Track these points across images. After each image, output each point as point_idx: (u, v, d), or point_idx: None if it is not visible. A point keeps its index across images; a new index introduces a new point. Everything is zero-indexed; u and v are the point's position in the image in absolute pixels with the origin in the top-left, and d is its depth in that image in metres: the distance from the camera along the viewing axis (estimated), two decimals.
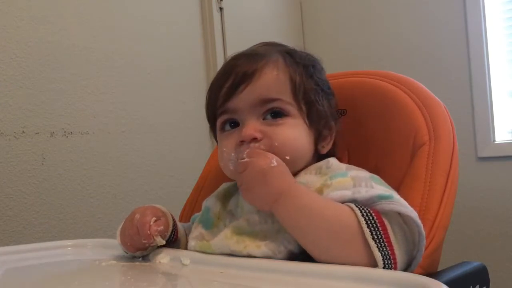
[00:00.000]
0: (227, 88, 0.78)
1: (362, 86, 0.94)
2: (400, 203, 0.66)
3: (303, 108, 0.78)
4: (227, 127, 0.80)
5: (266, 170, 0.68)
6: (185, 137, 1.85)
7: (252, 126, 0.75)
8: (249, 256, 0.70)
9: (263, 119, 0.76)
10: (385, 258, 0.62)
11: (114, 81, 1.67)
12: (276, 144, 0.74)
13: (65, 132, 1.53)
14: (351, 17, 2.33)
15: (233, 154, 0.75)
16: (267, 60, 0.78)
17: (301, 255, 0.68)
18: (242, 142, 0.75)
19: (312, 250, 0.65)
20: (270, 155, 0.70)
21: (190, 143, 1.86)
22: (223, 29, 2.00)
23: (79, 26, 1.59)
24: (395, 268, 0.63)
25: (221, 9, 2.00)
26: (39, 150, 1.47)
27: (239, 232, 0.72)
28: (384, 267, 0.62)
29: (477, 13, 1.98)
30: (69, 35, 1.56)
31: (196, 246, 0.78)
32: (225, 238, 0.73)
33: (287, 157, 0.73)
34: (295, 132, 0.76)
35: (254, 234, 0.71)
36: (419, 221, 0.66)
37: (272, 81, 0.77)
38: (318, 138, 0.81)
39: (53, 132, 1.50)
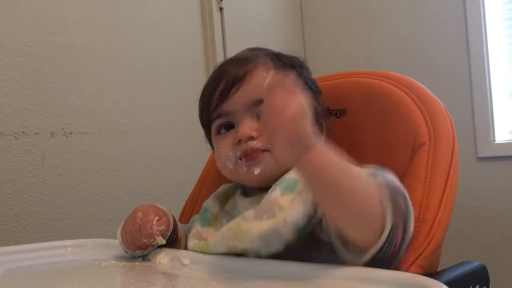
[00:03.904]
0: (219, 92, 0.80)
1: (362, 86, 0.94)
2: (389, 176, 0.67)
3: None
4: (223, 130, 0.81)
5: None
6: (185, 137, 1.85)
7: (248, 125, 0.77)
8: (245, 251, 0.70)
9: (258, 118, 0.78)
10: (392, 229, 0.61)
11: (114, 81, 1.67)
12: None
13: (65, 132, 1.53)
14: (351, 17, 2.32)
15: (230, 153, 0.77)
16: (256, 62, 0.80)
17: (295, 248, 0.68)
18: (239, 141, 0.77)
19: (338, 207, 0.60)
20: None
21: (190, 143, 1.86)
22: (223, 29, 2.00)
23: (79, 26, 1.59)
24: (397, 240, 0.63)
25: (221, 9, 2.00)
26: (39, 150, 1.47)
27: (235, 228, 0.73)
28: (388, 236, 0.61)
29: (477, 13, 1.98)
30: (69, 35, 1.56)
31: (195, 246, 0.79)
32: (221, 236, 0.74)
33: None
34: None
35: (248, 229, 0.71)
36: (406, 193, 0.67)
37: (263, 81, 0.78)
38: None
39: (53, 132, 1.50)
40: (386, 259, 0.64)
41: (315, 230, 0.70)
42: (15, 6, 1.44)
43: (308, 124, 0.56)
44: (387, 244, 0.61)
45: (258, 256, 0.71)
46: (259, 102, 0.76)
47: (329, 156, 0.58)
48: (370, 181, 0.62)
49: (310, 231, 0.70)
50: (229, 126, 0.80)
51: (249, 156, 0.76)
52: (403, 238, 0.65)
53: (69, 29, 1.56)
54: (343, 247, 0.63)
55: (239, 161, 0.77)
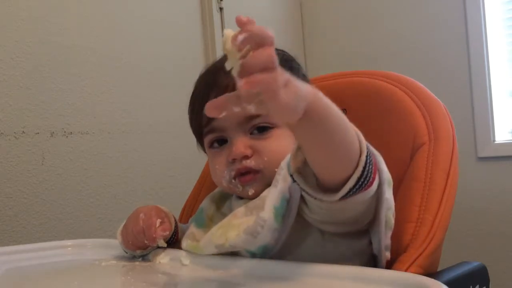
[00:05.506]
0: None
1: (362, 86, 0.94)
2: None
3: None
4: (216, 144, 0.81)
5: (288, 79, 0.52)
6: (185, 137, 1.84)
7: (241, 144, 0.76)
8: (233, 248, 0.70)
9: (250, 133, 0.77)
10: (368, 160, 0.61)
11: (114, 81, 1.67)
12: (265, 159, 0.75)
13: (65, 132, 1.53)
14: (351, 17, 2.33)
15: (225, 172, 0.77)
16: None
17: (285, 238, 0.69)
18: (234, 160, 0.76)
19: (330, 154, 0.59)
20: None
21: (190, 143, 1.84)
22: (223, 29, 2.00)
23: (79, 26, 1.59)
24: (374, 171, 0.62)
25: (221, 9, 2.00)
26: (39, 150, 1.47)
27: (224, 226, 0.73)
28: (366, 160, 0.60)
29: (477, 13, 1.98)
30: (69, 35, 1.56)
31: (188, 247, 0.79)
32: (211, 234, 0.74)
33: (276, 170, 0.74)
34: (282, 144, 0.77)
35: (236, 226, 0.71)
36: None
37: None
38: None
39: (53, 132, 1.50)
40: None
41: (301, 215, 0.70)
42: (15, 6, 1.44)
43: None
44: (367, 168, 0.60)
45: (253, 254, 0.71)
46: (251, 117, 0.76)
47: (321, 94, 0.56)
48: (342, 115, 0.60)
49: (295, 217, 0.70)
50: (222, 141, 0.80)
51: (243, 175, 0.76)
52: (380, 177, 0.65)
53: (69, 29, 1.56)
54: (322, 192, 0.62)
55: (233, 180, 0.77)
